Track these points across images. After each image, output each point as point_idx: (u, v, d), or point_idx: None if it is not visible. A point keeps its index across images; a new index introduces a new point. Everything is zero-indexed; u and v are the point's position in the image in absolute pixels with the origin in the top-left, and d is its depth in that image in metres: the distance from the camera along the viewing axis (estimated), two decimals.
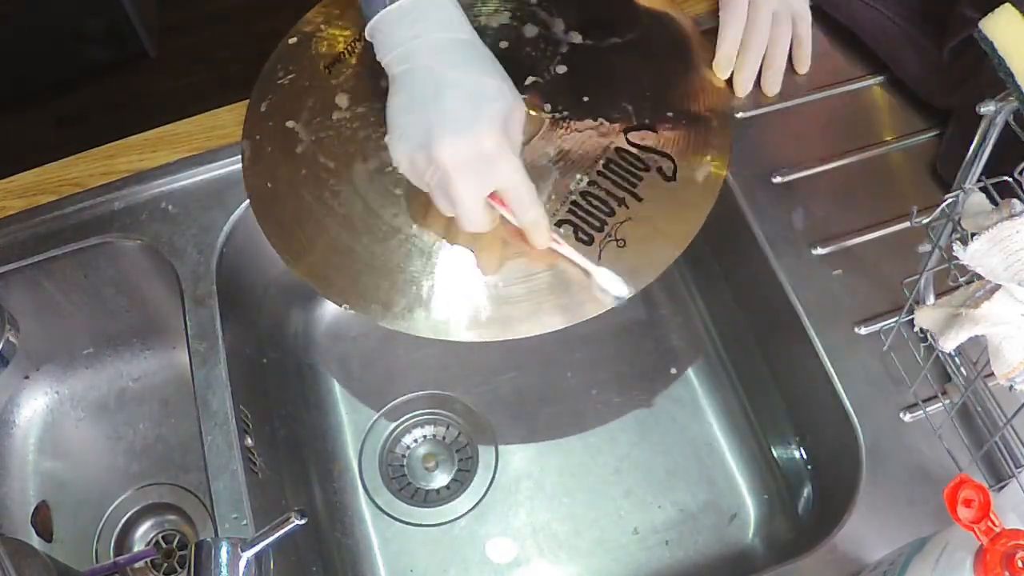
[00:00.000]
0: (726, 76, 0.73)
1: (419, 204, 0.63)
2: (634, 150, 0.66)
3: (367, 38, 0.60)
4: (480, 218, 0.58)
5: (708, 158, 0.66)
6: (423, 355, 0.84)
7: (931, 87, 0.76)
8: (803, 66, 0.78)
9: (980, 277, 0.51)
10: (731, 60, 0.73)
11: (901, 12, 0.76)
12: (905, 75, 0.77)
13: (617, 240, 0.62)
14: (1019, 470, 0.60)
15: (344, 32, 0.74)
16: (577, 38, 0.71)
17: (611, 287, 0.61)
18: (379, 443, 0.81)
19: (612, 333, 0.83)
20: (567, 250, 0.61)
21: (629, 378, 0.82)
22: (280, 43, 0.76)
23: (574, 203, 0.63)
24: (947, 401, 0.64)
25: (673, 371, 0.83)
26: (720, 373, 0.83)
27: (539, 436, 0.80)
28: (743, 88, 0.74)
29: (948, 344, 0.53)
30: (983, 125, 0.53)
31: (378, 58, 0.60)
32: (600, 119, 0.68)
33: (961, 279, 0.57)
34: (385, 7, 0.58)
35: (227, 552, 0.54)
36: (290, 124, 0.69)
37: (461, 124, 0.55)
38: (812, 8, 0.78)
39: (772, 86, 0.77)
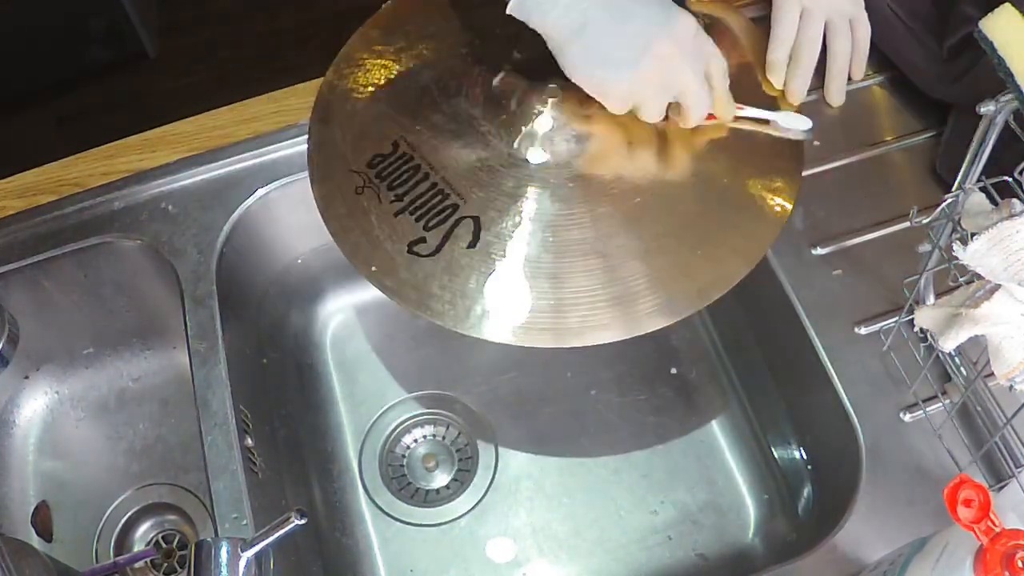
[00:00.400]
0: (780, 82, 0.70)
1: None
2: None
3: (511, 13, 0.59)
4: (706, 95, 0.61)
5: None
6: (423, 355, 0.84)
7: (932, 83, 0.76)
8: (859, 71, 0.76)
9: (980, 277, 0.51)
10: (783, 64, 0.70)
11: (906, 7, 0.75)
12: (908, 69, 0.77)
13: None
14: (1019, 470, 0.60)
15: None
16: None
17: (797, 124, 0.65)
18: (379, 443, 0.81)
19: None
20: (749, 110, 0.65)
21: (629, 378, 0.82)
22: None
23: None
24: (947, 401, 0.64)
25: (673, 371, 0.83)
26: (720, 373, 0.83)
27: (539, 436, 0.80)
28: (796, 96, 0.70)
29: (948, 344, 0.53)
30: (983, 125, 0.53)
31: (532, 23, 0.59)
32: None
33: (961, 279, 0.57)
34: None
35: (227, 552, 0.54)
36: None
37: (667, 17, 0.58)
38: None
39: (837, 97, 0.75)
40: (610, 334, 0.58)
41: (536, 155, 0.63)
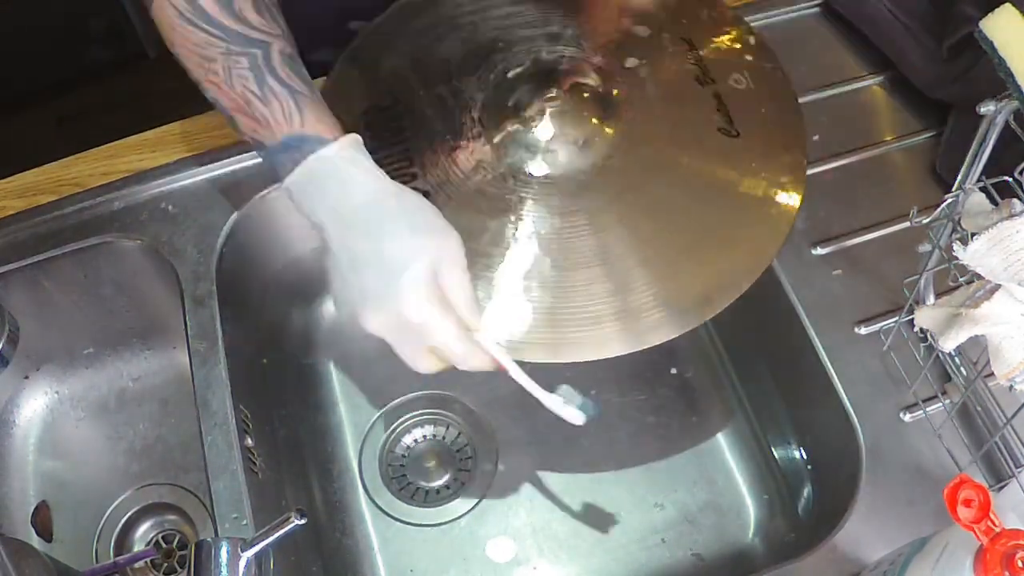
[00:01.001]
0: None
1: None
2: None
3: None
4: (433, 366, 0.56)
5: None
6: None
7: (932, 83, 0.76)
8: None
9: (980, 277, 0.51)
10: None
11: (905, 7, 0.76)
12: (908, 69, 0.77)
13: None
14: (1019, 470, 0.60)
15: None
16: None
17: (564, 414, 0.57)
18: (379, 443, 0.81)
19: None
20: (523, 379, 0.57)
21: (629, 378, 0.82)
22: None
23: None
24: (947, 401, 0.64)
25: (673, 371, 0.83)
26: (720, 373, 0.83)
27: (539, 436, 0.80)
28: None
29: (948, 344, 0.53)
30: (983, 125, 0.53)
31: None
32: None
33: (961, 279, 0.57)
34: (285, 175, 0.54)
35: (227, 552, 0.54)
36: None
37: (379, 299, 0.53)
38: (819, 4, 0.78)
39: None
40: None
41: (537, 167, 0.62)
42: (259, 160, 0.76)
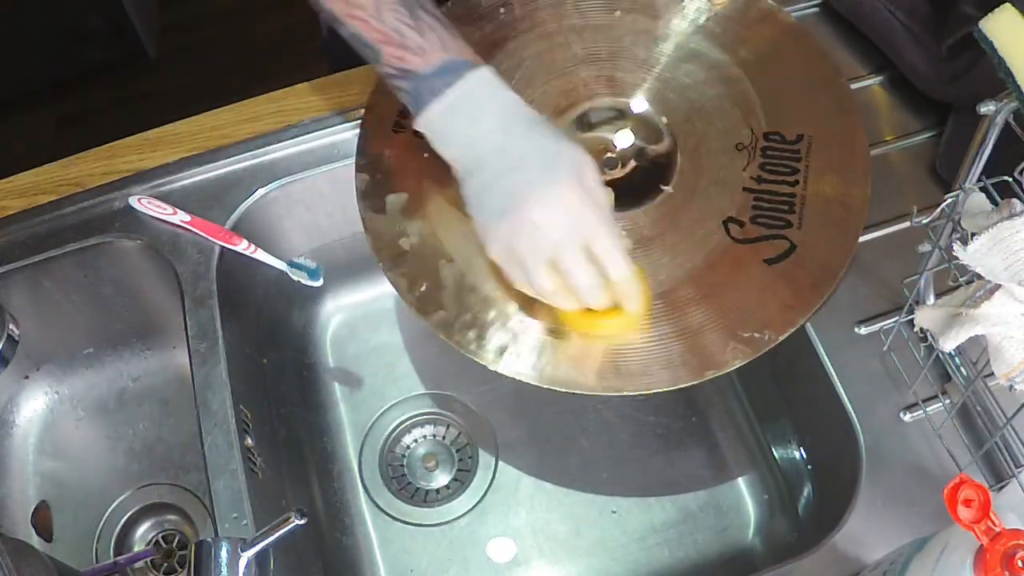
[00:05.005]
0: None
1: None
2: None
3: (419, 129, 0.58)
4: (583, 270, 0.57)
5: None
6: (423, 355, 0.84)
7: (931, 83, 0.76)
8: None
9: (980, 277, 0.51)
10: None
11: (904, 7, 0.76)
12: (907, 70, 0.77)
13: None
14: (1019, 470, 0.60)
15: None
16: None
17: None
18: (379, 443, 0.81)
19: None
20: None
21: None
22: None
23: None
24: (947, 401, 0.64)
25: None
26: None
27: (539, 436, 0.80)
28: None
29: (948, 344, 0.53)
30: (983, 125, 0.53)
31: (436, 149, 0.58)
32: None
33: (961, 279, 0.57)
34: (434, 99, 0.56)
35: (227, 552, 0.54)
36: None
37: (551, 174, 0.55)
38: (818, 4, 0.78)
39: None
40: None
41: None
42: (258, 160, 0.77)
